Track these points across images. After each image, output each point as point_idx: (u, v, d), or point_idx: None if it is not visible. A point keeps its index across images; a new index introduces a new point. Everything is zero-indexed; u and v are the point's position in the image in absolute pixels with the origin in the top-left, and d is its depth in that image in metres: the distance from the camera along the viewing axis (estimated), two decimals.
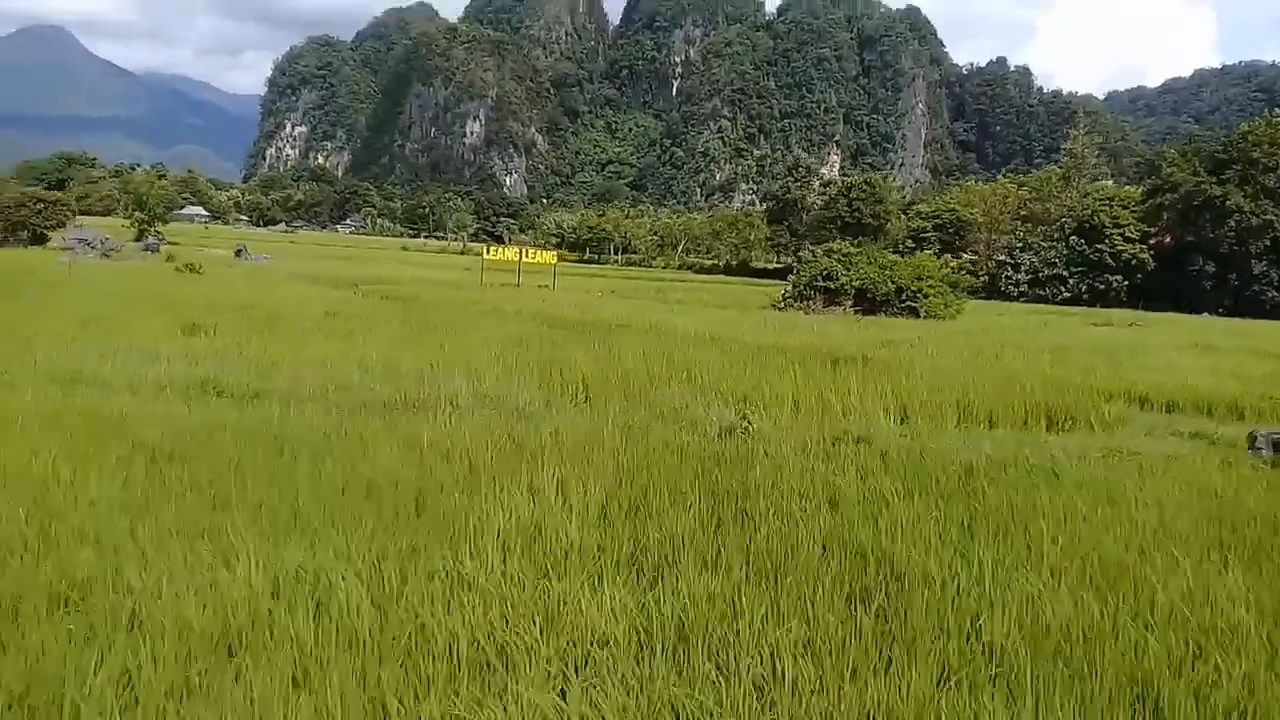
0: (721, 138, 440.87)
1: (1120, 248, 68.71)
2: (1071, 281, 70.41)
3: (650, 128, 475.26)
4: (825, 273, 40.19)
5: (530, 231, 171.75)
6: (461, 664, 4.92)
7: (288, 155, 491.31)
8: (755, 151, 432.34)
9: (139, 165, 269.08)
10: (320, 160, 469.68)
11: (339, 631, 5.06)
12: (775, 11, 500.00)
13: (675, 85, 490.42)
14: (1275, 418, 15.06)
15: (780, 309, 40.07)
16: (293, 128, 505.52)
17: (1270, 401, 15.84)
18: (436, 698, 4.48)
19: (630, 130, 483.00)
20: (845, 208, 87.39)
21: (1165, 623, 5.96)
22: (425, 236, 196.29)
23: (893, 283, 39.74)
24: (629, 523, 7.56)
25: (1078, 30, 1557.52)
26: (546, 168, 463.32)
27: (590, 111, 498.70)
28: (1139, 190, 74.47)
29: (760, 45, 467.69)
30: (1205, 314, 58.73)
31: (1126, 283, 69.28)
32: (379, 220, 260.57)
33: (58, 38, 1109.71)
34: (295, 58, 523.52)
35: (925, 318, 38.62)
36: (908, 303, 39.50)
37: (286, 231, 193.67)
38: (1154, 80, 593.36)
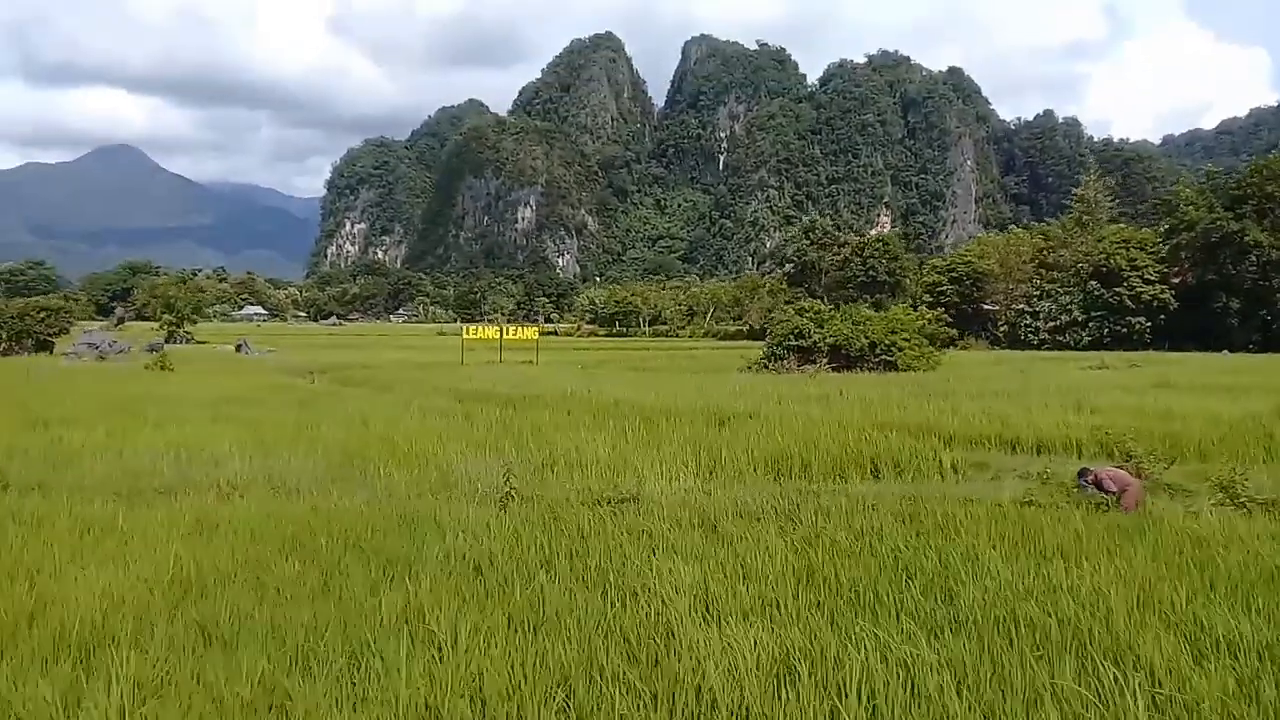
0: (770, 206, 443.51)
1: (1140, 289, 66.83)
2: (1091, 326, 68.60)
3: (699, 202, 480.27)
4: (796, 331, 39.65)
5: (571, 312, 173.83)
6: None
7: (348, 252, 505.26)
8: (804, 218, 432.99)
9: (200, 271, 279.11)
10: (379, 255, 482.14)
11: None
12: (817, 83, 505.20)
13: (721, 160, 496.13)
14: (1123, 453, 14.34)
15: (754, 371, 39.58)
16: (352, 225, 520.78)
17: (1108, 436, 15.11)
18: None
19: (679, 206, 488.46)
20: (860, 267, 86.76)
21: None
22: (461, 321, 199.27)
23: (866, 338, 39.05)
24: (212, 592, 7.38)
25: (1131, 78, 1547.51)
26: (598, 246, 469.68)
27: (639, 190, 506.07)
28: (1157, 230, 72.64)
29: (804, 116, 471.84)
30: (1225, 351, 56.58)
31: (1149, 324, 67.26)
32: (431, 308, 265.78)
33: (129, 156, 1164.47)
34: (353, 159, 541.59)
35: (903, 370, 37.85)
36: (882, 356, 38.75)
37: (335, 324, 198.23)
38: (1210, 122, 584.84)
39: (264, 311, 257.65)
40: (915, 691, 5.28)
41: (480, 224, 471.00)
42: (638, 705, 5.11)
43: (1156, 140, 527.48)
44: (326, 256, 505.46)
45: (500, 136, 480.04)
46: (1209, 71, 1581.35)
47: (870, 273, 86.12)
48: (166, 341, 79.73)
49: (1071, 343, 68.34)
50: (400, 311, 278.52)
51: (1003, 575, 7.74)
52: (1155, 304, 67.11)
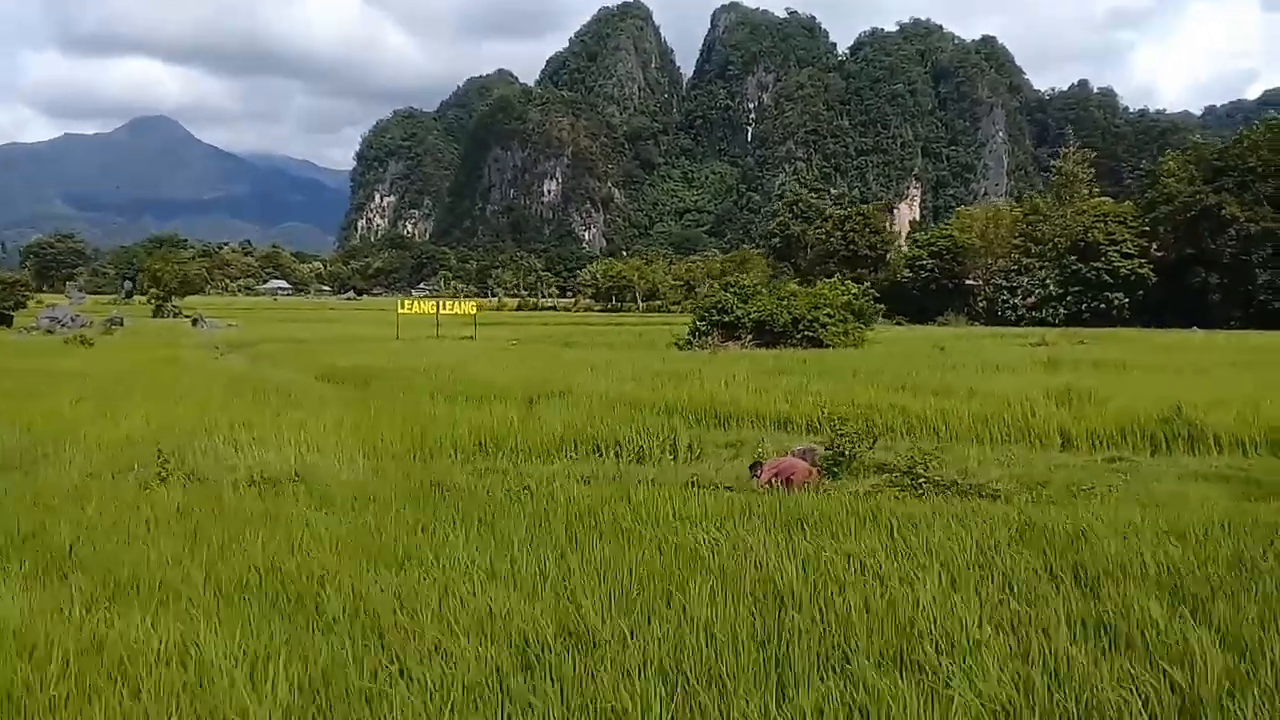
0: (798, 179, 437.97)
1: (1118, 264, 65.37)
2: (1069, 301, 67.22)
3: (726, 174, 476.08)
4: (719, 306, 39.29)
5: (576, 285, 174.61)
6: None
7: (378, 225, 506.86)
8: (833, 190, 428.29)
9: (226, 244, 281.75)
10: (408, 228, 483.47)
11: None
12: (847, 52, 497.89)
13: (749, 131, 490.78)
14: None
15: (682, 347, 39.28)
16: (381, 198, 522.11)
17: (824, 416, 14.83)
18: None
19: (707, 178, 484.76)
20: (841, 240, 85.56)
21: None
22: (467, 296, 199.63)
23: (789, 314, 38.59)
24: None
25: (1175, 46, 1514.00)
26: (625, 220, 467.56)
27: (666, 163, 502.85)
28: (1138, 204, 70.85)
29: (833, 86, 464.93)
30: (1195, 329, 55.26)
31: (1128, 300, 65.83)
32: (453, 282, 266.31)
33: (165, 126, 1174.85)
34: (381, 131, 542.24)
35: (826, 346, 37.45)
36: (805, 333, 38.30)
37: (350, 298, 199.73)
38: (1255, 93, 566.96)
39: (288, 286, 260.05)
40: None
41: (507, 197, 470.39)
42: None
43: (1198, 111, 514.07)
44: (356, 229, 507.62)
45: (526, 107, 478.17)
46: (1255, 41, 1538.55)
47: (851, 246, 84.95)
48: (154, 315, 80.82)
49: (1049, 319, 66.98)
50: (422, 285, 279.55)
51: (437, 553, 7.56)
52: (1134, 279, 65.67)
